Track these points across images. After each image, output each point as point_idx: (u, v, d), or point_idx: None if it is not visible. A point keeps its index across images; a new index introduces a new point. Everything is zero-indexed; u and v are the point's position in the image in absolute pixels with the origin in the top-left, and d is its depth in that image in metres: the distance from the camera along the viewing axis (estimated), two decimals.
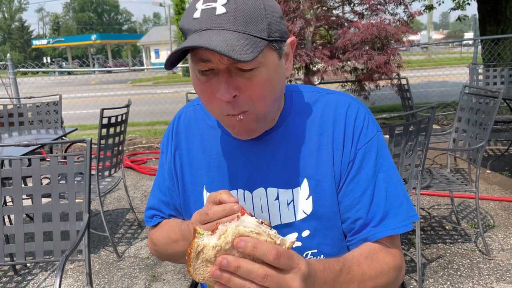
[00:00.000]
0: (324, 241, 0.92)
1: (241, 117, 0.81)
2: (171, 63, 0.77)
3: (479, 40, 7.66)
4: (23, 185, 2.02)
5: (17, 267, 2.98)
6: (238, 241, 0.62)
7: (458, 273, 2.65)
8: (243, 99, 0.79)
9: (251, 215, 0.68)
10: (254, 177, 0.94)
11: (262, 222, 0.66)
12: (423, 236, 3.13)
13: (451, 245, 3.00)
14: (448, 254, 2.87)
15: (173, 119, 1.07)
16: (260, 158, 0.93)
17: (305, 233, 0.92)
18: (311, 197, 0.91)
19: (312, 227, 0.91)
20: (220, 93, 0.77)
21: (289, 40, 0.86)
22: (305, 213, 0.91)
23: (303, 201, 0.91)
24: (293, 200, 0.92)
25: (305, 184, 0.91)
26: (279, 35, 0.80)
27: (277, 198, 0.92)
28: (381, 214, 0.88)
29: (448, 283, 2.55)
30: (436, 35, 54.84)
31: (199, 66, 0.79)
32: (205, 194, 0.99)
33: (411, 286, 2.52)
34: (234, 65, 0.77)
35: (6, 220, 2.98)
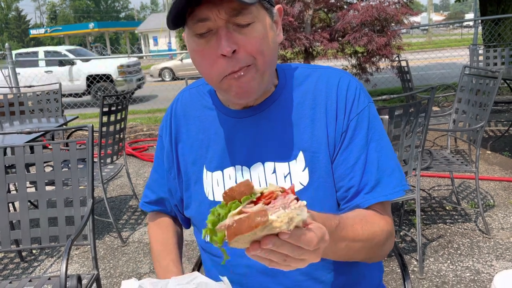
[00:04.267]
0: (321, 211, 0.94)
1: (242, 73, 0.83)
2: (172, 21, 0.80)
3: (480, 20, 7.60)
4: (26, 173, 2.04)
5: (23, 253, 3.02)
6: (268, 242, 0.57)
7: (458, 252, 2.68)
8: (243, 55, 0.83)
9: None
10: (251, 153, 0.96)
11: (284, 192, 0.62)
12: (423, 216, 3.16)
13: (451, 225, 3.03)
14: (448, 234, 2.91)
15: (171, 104, 1.10)
16: (256, 133, 0.96)
17: None
18: (307, 169, 0.93)
19: (309, 198, 0.93)
20: (221, 48, 0.80)
21: (277, 7, 0.90)
22: (302, 184, 0.94)
23: (299, 173, 0.94)
24: (289, 172, 0.94)
25: (300, 156, 0.94)
26: None
27: (274, 171, 0.95)
28: (373, 182, 0.91)
29: (448, 261, 2.59)
30: (436, 17, 54.27)
31: (197, 29, 0.82)
32: (205, 173, 1.01)
33: (412, 266, 2.55)
34: (232, 20, 0.81)
35: (11, 207, 3.01)
